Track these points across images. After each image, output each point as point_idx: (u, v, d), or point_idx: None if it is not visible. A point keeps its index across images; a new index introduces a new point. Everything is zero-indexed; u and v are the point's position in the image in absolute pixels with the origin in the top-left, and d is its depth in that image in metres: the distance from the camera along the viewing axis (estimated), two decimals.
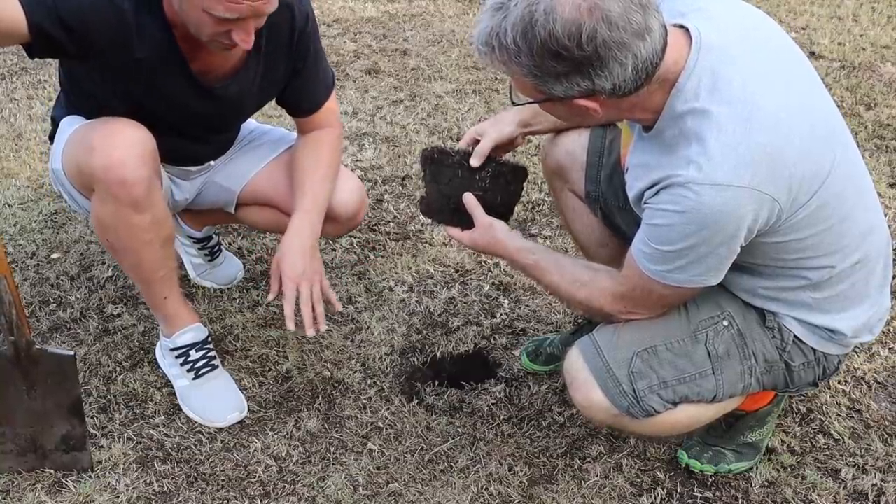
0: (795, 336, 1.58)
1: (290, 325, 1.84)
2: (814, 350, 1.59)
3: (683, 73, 1.35)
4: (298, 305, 1.85)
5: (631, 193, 1.51)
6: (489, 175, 1.70)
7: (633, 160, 1.51)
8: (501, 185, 1.71)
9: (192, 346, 1.99)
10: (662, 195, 1.38)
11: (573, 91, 1.32)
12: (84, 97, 1.88)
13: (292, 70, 1.91)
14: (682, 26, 1.39)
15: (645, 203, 1.44)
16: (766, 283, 1.55)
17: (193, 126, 1.92)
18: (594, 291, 1.58)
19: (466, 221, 1.70)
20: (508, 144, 1.79)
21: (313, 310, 1.87)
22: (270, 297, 1.89)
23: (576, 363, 1.60)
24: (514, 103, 1.45)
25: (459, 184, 1.70)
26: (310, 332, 1.85)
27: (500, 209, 1.72)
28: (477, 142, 1.75)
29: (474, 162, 1.70)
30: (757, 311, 1.59)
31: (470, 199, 1.68)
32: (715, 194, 1.32)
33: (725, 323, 1.58)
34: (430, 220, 1.87)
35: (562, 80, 1.30)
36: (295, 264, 1.85)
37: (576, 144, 1.86)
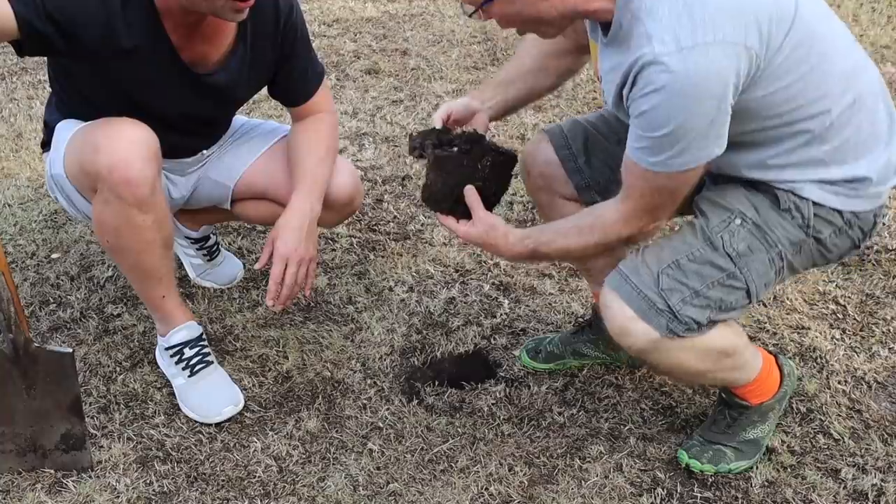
0: (816, 205, 1.55)
1: (270, 302, 1.87)
2: (840, 213, 1.56)
3: None
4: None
5: (610, 99, 1.50)
6: (489, 165, 1.70)
7: (604, 67, 1.51)
8: (497, 174, 1.72)
9: (185, 343, 1.99)
10: (638, 82, 1.38)
11: None
12: (75, 95, 1.89)
13: (279, 57, 1.91)
14: None
15: (627, 100, 1.43)
16: (772, 152, 1.53)
17: (185, 118, 1.92)
18: (605, 227, 1.58)
19: (462, 212, 1.70)
20: (469, 117, 1.82)
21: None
22: (257, 266, 1.91)
23: (608, 295, 1.60)
24: (467, 15, 1.49)
25: (461, 174, 1.69)
26: (269, 303, 1.87)
27: (493, 199, 1.75)
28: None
29: (434, 124, 1.76)
30: (769, 196, 1.57)
31: (471, 194, 1.68)
32: (685, 59, 1.32)
33: (738, 221, 1.57)
34: (428, 208, 1.88)
35: None
36: (288, 241, 1.86)
37: (547, 153, 1.89)
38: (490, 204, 1.73)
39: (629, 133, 1.47)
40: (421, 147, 1.73)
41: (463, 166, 1.69)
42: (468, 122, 1.83)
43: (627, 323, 1.57)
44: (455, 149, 1.70)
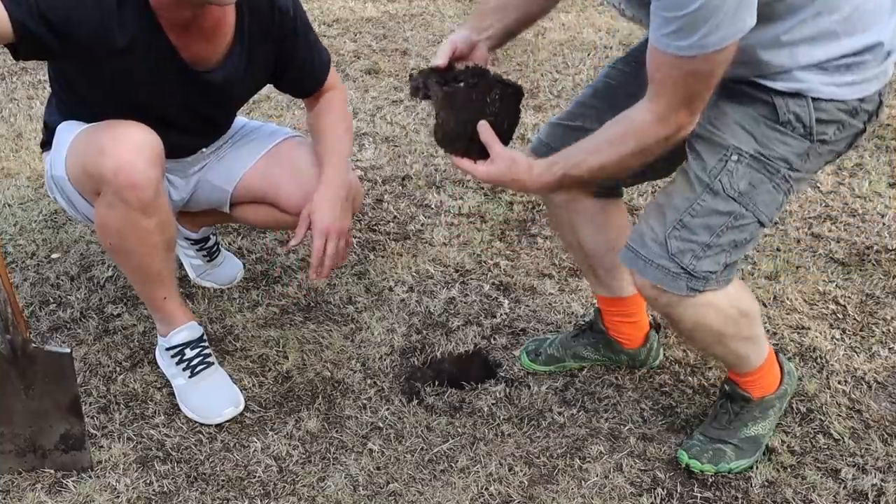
0: (817, 106, 1.51)
1: (314, 276, 1.92)
2: (845, 104, 1.52)
3: None
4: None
5: None
6: (498, 98, 1.61)
7: None
8: (507, 108, 1.64)
9: (187, 344, 1.99)
10: None
11: None
12: (74, 96, 1.88)
13: (279, 52, 1.92)
14: None
15: None
16: (786, 25, 1.46)
17: (184, 117, 1.93)
18: (639, 131, 1.49)
19: (478, 152, 1.61)
20: (468, 51, 1.74)
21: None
22: (293, 242, 1.94)
23: (627, 270, 1.63)
24: None
25: (473, 109, 1.60)
26: (313, 276, 1.92)
27: (506, 135, 1.65)
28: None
29: (437, 61, 1.67)
30: (766, 109, 1.53)
31: (486, 130, 1.60)
32: None
33: (735, 158, 1.54)
34: (442, 149, 1.78)
35: None
36: (325, 215, 1.90)
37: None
38: (503, 141, 1.62)
39: (651, 22, 1.38)
40: (424, 87, 1.64)
41: (472, 101, 1.60)
42: (468, 57, 1.74)
43: (651, 291, 1.60)
44: (461, 84, 1.61)
